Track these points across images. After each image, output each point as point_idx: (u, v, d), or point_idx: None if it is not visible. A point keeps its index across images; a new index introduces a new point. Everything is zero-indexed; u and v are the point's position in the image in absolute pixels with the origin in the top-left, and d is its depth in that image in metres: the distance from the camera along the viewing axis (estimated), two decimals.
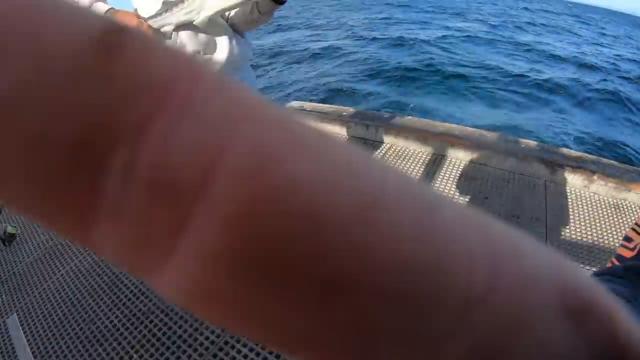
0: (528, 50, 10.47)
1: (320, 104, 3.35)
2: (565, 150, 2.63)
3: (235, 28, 1.46)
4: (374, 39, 11.15)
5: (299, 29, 13.29)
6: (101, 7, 1.30)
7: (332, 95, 7.35)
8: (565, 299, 0.08)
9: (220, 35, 1.41)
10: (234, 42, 1.44)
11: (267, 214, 0.06)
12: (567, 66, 9.78)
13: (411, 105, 6.25)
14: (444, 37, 11.13)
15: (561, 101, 7.15)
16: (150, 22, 1.31)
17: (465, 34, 11.46)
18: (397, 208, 0.07)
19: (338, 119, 2.90)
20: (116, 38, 0.06)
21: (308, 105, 3.20)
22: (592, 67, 10.00)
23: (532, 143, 2.66)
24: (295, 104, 3.22)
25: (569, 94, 7.50)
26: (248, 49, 1.55)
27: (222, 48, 1.42)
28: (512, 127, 5.52)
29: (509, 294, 0.08)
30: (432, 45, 10.15)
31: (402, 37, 11.01)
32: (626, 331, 0.09)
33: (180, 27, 1.34)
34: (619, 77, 9.49)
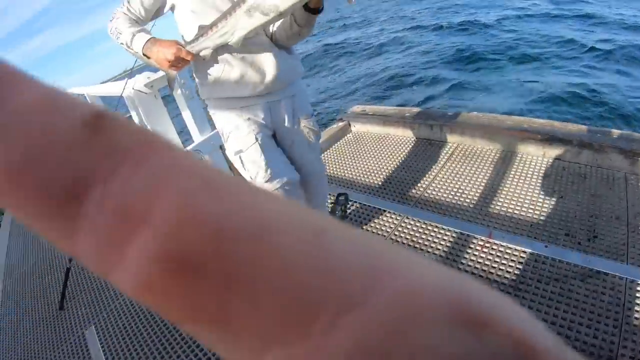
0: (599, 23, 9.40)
1: (383, 107, 3.36)
2: None
3: (279, 44, 1.48)
4: (438, 27, 10.77)
5: (360, 27, 13.30)
6: (143, 37, 1.41)
7: (398, 87, 7.26)
8: (458, 311, 0.09)
9: (263, 52, 1.45)
10: (279, 58, 1.47)
11: (189, 233, 0.09)
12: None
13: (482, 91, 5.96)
14: (506, 18, 10.44)
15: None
16: (188, 47, 1.38)
17: (528, 13, 10.62)
18: (285, 230, 0.10)
19: (401, 120, 2.91)
20: (99, 120, 0.10)
21: (369, 109, 3.23)
22: None
23: (609, 131, 2.52)
24: (357, 108, 3.26)
25: None
26: (297, 64, 1.58)
27: (269, 66, 1.46)
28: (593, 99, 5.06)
29: (389, 300, 0.09)
30: (496, 28, 9.58)
31: (466, 21, 10.52)
32: (532, 346, 0.09)
33: (222, 49, 1.39)
34: None
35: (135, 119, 2.42)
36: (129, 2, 1.47)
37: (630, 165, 2.29)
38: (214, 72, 1.48)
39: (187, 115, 2.37)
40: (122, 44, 1.46)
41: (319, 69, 11.48)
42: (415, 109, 3.07)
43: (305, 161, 1.69)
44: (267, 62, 1.46)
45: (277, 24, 1.42)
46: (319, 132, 1.73)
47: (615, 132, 2.49)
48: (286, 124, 1.60)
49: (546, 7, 10.50)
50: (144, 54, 1.41)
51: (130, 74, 2.22)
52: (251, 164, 1.54)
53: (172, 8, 1.46)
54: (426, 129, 2.85)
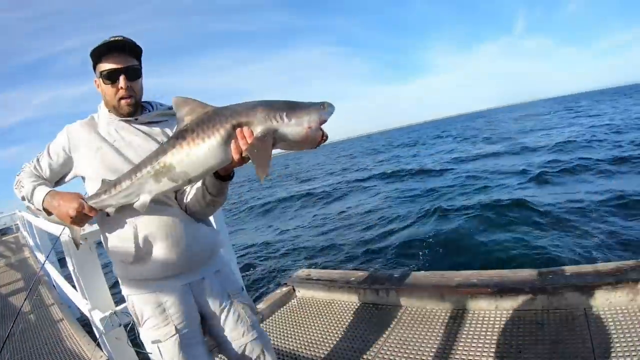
0: None
1: (328, 271, 3.28)
2: (600, 266, 2.20)
3: (196, 215, 1.42)
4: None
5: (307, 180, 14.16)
6: (43, 190, 1.36)
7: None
8: None
9: (176, 225, 1.37)
10: (195, 231, 1.41)
11: None
12: None
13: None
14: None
15: None
16: (91, 202, 1.30)
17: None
18: None
19: (346, 285, 2.79)
20: None
21: (315, 273, 3.15)
22: None
23: (559, 270, 2.27)
24: (302, 272, 3.19)
25: None
26: (215, 235, 1.52)
27: (183, 241, 1.37)
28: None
29: None
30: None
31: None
32: None
33: (130, 214, 1.32)
34: None
35: (70, 266, 2.41)
36: (38, 159, 1.48)
37: (588, 299, 1.98)
38: (123, 246, 1.37)
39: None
40: (22, 198, 1.43)
41: (267, 220, 11.86)
42: (361, 273, 2.95)
43: (244, 340, 1.50)
44: (181, 236, 1.37)
45: (190, 195, 1.39)
46: (253, 307, 1.59)
47: (566, 269, 2.24)
48: (214, 304, 1.48)
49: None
50: (44, 209, 1.35)
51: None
52: (169, 358, 1.39)
53: (77, 176, 1.48)
54: (372, 293, 2.67)
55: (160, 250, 1.35)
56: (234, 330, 1.48)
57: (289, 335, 2.61)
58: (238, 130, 1.09)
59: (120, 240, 1.37)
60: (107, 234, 1.41)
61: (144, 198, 1.22)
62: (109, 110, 1.46)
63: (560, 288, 2.10)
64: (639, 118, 19.04)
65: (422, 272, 2.79)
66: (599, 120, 21.65)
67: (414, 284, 2.62)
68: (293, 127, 1.10)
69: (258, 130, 1.09)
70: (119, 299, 2.42)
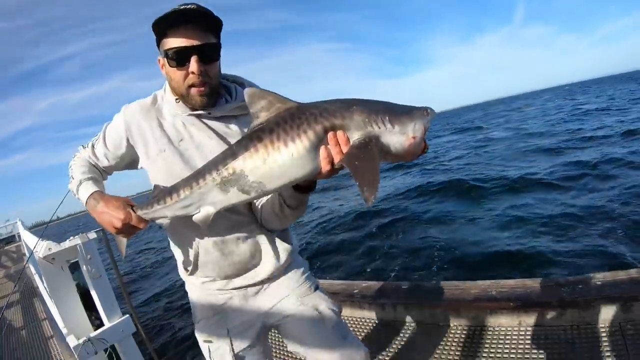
0: None
1: (329, 281, 3.01)
2: (634, 272, 1.94)
3: (269, 225, 1.25)
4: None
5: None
6: (88, 189, 1.21)
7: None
8: None
9: (245, 238, 1.24)
10: (265, 245, 1.27)
11: None
12: None
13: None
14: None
15: None
16: (141, 213, 1.11)
17: None
18: None
19: (348, 299, 2.52)
20: None
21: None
22: None
23: (589, 278, 2.01)
24: None
25: None
26: (287, 247, 1.33)
27: (251, 255, 1.26)
28: None
29: None
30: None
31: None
32: None
33: (190, 225, 1.08)
34: None
35: (40, 286, 2.16)
36: (93, 145, 1.31)
37: (624, 312, 1.73)
38: (184, 251, 1.29)
39: (94, 296, 2.12)
40: (70, 190, 1.28)
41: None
42: (365, 284, 2.68)
43: (308, 346, 1.35)
44: (250, 252, 1.25)
45: (262, 201, 1.20)
46: (335, 307, 1.38)
47: (598, 276, 1.98)
48: (280, 309, 1.33)
49: None
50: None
51: (44, 228, 2.10)
52: (218, 355, 1.33)
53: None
54: (378, 309, 2.42)
55: (223, 267, 1.26)
56: (310, 337, 1.34)
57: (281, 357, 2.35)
58: (331, 134, 0.88)
59: (179, 248, 1.31)
60: (168, 235, 1.33)
61: (207, 211, 1.02)
62: (176, 99, 1.20)
63: (592, 300, 1.84)
64: None
65: (434, 282, 2.51)
66: None
67: (424, 298, 2.35)
68: (397, 135, 0.91)
69: (355, 136, 0.89)
70: (98, 323, 2.22)
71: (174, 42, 1.08)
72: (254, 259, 1.27)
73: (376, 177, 0.83)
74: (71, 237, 2.09)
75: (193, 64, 1.08)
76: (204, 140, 1.18)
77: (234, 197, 0.96)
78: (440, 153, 16.67)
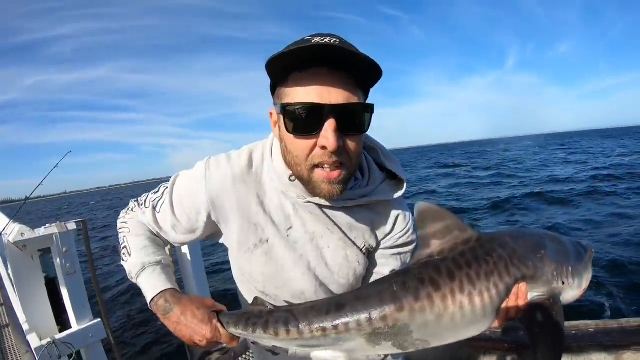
0: None
1: None
2: (625, 322, 1.98)
3: None
4: None
5: None
6: (156, 282, 0.89)
7: None
8: None
9: None
10: None
11: None
12: None
13: None
14: None
15: None
16: (234, 331, 0.83)
17: None
18: None
19: None
20: None
21: None
22: None
23: (585, 325, 2.01)
24: None
25: None
26: None
27: None
28: None
29: None
30: None
31: None
32: None
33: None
34: None
35: (3, 273, 1.97)
36: (155, 210, 0.96)
37: None
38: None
39: (64, 293, 1.94)
40: (125, 268, 0.95)
41: None
42: None
43: None
44: None
45: None
46: None
47: (590, 324, 2.00)
48: None
49: None
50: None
51: (18, 209, 1.88)
52: None
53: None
54: None
55: None
56: None
57: None
58: (516, 288, 0.72)
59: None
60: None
61: (333, 356, 0.77)
62: (290, 177, 0.85)
63: (585, 347, 1.84)
64: None
65: None
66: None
67: None
68: (575, 291, 0.79)
69: (539, 291, 0.75)
70: (66, 325, 2.03)
71: (300, 94, 0.73)
72: None
73: (562, 343, 0.73)
74: (47, 225, 1.91)
75: (329, 134, 0.71)
76: (321, 232, 0.90)
77: (383, 350, 0.74)
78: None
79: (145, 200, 0.98)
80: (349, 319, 0.71)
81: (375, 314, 0.70)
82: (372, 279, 0.94)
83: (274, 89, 0.80)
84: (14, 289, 2.23)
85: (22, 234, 1.81)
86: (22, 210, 2.25)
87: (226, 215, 0.91)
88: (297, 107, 0.73)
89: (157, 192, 0.98)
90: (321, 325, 0.73)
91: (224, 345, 0.87)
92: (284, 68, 0.74)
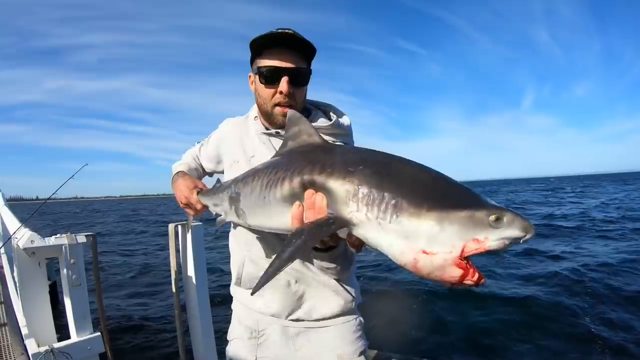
0: None
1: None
2: None
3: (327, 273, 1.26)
4: None
5: None
6: (177, 169, 1.49)
7: None
8: None
9: (304, 272, 1.29)
10: (321, 285, 1.28)
11: None
12: None
13: None
14: None
15: None
16: (202, 198, 1.37)
17: None
18: None
19: None
20: None
21: None
22: None
23: None
24: None
25: None
26: (345, 297, 1.31)
27: (305, 291, 1.29)
28: None
29: None
30: None
31: None
32: None
33: (246, 233, 1.31)
34: None
35: (6, 271, 2.00)
36: (202, 144, 1.54)
37: None
38: (234, 265, 1.40)
39: (67, 304, 1.96)
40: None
41: None
42: None
43: None
44: (304, 281, 1.25)
45: None
46: None
47: None
48: (315, 354, 1.27)
49: None
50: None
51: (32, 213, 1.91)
52: None
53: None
54: None
55: (277, 292, 1.26)
56: None
57: None
58: (315, 194, 0.77)
59: (233, 257, 1.41)
60: (232, 249, 1.44)
61: (224, 217, 1.26)
62: (254, 117, 1.32)
63: None
64: None
65: None
66: None
67: None
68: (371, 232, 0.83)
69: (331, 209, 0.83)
70: (65, 334, 2.01)
71: (267, 61, 1.15)
72: (305, 294, 1.26)
73: (292, 258, 0.71)
74: (58, 235, 1.95)
75: (283, 84, 1.14)
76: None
77: (231, 216, 1.15)
78: None
79: (202, 141, 1.56)
80: (231, 184, 1.16)
81: (238, 179, 1.12)
82: None
83: (252, 61, 1.22)
84: (16, 291, 2.26)
85: (32, 241, 1.84)
86: (30, 209, 2.29)
87: (226, 147, 1.41)
88: (267, 68, 1.16)
89: (203, 140, 1.56)
90: (223, 187, 1.23)
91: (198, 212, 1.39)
92: (259, 46, 1.16)
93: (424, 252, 0.59)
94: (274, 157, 1.06)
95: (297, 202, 0.79)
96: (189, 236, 2.53)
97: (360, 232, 0.68)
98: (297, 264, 1.22)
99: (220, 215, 1.26)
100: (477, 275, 0.61)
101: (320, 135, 0.98)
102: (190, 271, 2.56)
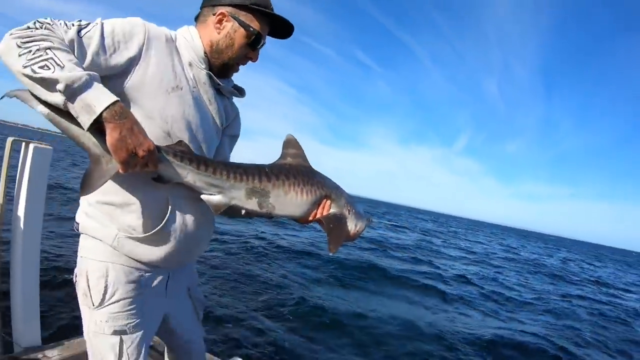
0: None
1: None
2: None
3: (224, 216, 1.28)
4: None
5: None
6: (106, 94, 0.91)
7: None
8: None
9: (205, 228, 1.28)
10: (210, 234, 1.37)
11: None
12: None
13: None
14: None
15: None
16: (165, 160, 1.05)
17: None
18: None
19: None
20: None
21: None
22: None
23: None
24: None
25: None
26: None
27: (202, 245, 1.32)
28: None
29: None
30: None
31: None
32: None
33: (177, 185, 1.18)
34: None
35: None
36: (80, 32, 0.97)
37: None
38: (144, 218, 1.11)
39: None
40: (41, 79, 0.85)
41: None
42: None
43: (191, 334, 1.45)
44: (203, 235, 1.27)
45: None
46: (203, 301, 1.51)
47: None
48: (177, 299, 1.36)
49: None
50: (99, 121, 0.89)
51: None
52: (133, 349, 1.15)
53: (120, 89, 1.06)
54: None
55: (178, 243, 1.16)
56: (185, 319, 1.42)
57: None
58: (325, 200, 1.30)
59: (144, 210, 1.10)
60: (129, 193, 1.10)
61: (222, 200, 1.12)
62: (205, 53, 1.20)
63: None
64: None
65: None
66: None
67: None
68: (352, 223, 1.36)
69: (335, 210, 1.32)
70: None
71: (261, 27, 1.21)
72: (197, 249, 1.30)
73: (341, 239, 1.31)
74: None
75: (256, 54, 1.28)
76: (209, 98, 1.25)
77: (250, 205, 1.15)
78: None
79: (65, 22, 0.97)
80: (242, 175, 1.15)
81: (256, 178, 1.16)
82: (220, 153, 1.39)
83: (240, 8, 1.19)
84: None
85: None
86: None
87: (154, 57, 1.09)
88: (257, 31, 1.21)
89: (77, 22, 1.00)
90: (226, 171, 1.13)
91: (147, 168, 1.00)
92: (259, 11, 1.20)
93: (358, 230, 1.39)
94: (279, 160, 1.30)
95: (318, 206, 1.29)
96: (28, 160, 1.88)
97: (344, 221, 1.33)
98: (203, 218, 1.24)
99: (213, 195, 1.10)
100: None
101: (306, 158, 1.34)
102: (21, 210, 1.89)
